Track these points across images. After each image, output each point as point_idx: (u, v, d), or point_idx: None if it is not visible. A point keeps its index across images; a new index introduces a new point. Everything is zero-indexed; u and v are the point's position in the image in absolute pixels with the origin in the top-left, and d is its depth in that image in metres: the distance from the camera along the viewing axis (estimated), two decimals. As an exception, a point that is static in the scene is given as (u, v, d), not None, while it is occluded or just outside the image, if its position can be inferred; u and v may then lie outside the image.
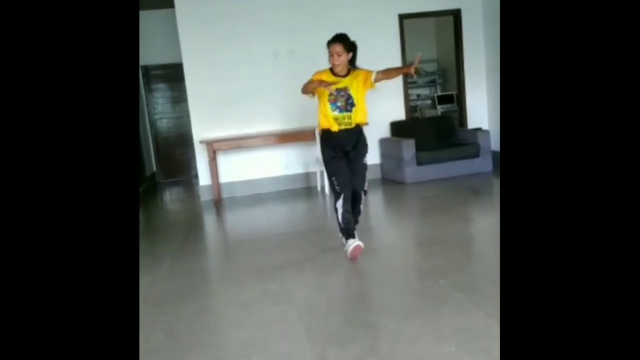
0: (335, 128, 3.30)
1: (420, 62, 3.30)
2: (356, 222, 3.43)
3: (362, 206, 3.45)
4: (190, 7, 5.71)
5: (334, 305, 2.68)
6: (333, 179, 3.34)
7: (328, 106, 3.27)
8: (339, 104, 3.27)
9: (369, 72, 3.33)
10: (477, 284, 2.69)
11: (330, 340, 2.24)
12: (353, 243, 3.25)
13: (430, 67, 8.58)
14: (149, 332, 2.47)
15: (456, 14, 6.43)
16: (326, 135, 3.37)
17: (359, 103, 3.30)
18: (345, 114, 3.29)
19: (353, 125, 3.32)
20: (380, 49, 6.19)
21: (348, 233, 3.31)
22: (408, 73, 3.28)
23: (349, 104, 3.28)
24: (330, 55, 3.24)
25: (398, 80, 6.31)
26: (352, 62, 3.34)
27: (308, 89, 3.29)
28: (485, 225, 4.00)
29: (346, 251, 3.28)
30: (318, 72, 3.34)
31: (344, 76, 3.30)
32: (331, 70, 3.32)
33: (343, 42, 3.24)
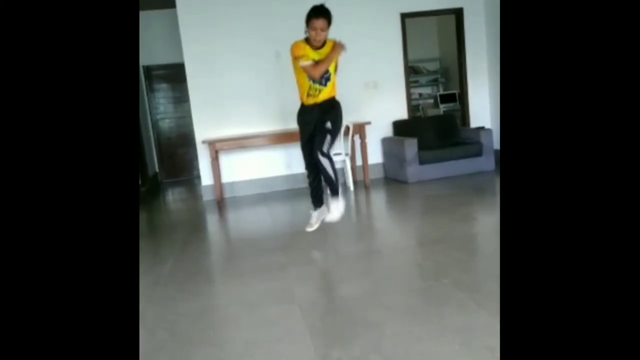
0: (305, 100, 3.47)
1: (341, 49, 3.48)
2: (318, 193, 3.76)
3: (329, 171, 3.47)
4: (191, 8, 5.72)
5: (337, 304, 2.68)
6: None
7: (305, 76, 3.37)
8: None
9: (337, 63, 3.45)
10: (480, 283, 2.69)
11: (333, 339, 2.24)
12: (318, 213, 3.72)
13: (433, 66, 8.57)
14: (153, 331, 2.47)
15: (458, 13, 6.43)
16: (300, 109, 3.61)
17: (333, 77, 3.42)
18: (317, 86, 3.38)
19: (319, 100, 3.45)
20: (382, 47, 6.21)
21: (313, 202, 3.79)
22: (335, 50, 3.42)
23: (324, 78, 3.37)
24: (313, 29, 3.23)
25: (400, 79, 6.32)
26: None
27: (319, 71, 3.33)
28: (487, 224, 3.99)
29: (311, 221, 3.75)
30: (297, 47, 3.33)
31: (321, 47, 3.34)
32: (307, 41, 3.34)
33: (327, 17, 3.24)
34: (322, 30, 3.21)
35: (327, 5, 5.95)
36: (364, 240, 3.29)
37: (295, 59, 3.34)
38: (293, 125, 6.14)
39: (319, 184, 3.73)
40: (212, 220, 5.22)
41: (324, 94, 3.46)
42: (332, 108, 3.52)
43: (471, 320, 2.25)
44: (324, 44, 3.36)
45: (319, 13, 3.21)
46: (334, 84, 3.49)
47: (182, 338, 2.40)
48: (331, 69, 3.39)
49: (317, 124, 3.49)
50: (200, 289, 3.07)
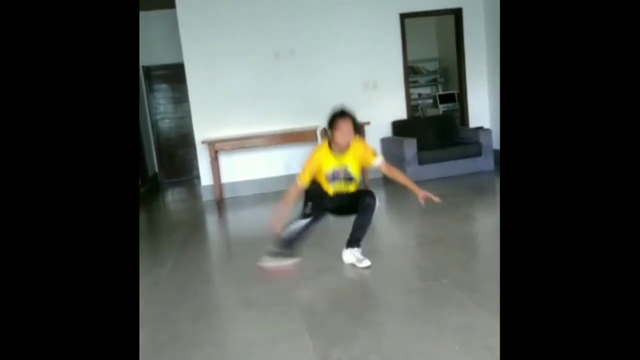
0: (330, 192, 3.15)
1: (435, 202, 3.07)
2: (359, 238, 3.20)
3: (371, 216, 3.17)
4: (191, 8, 5.73)
5: (337, 304, 2.68)
6: (310, 203, 3.11)
7: (323, 178, 3.10)
8: (336, 180, 3.12)
9: (371, 152, 3.14)
10: (479, 283, 2.69)
11: (333, 339, 2.24)
12: (283, 262, 3.10)
13: (432, 66, 8.57)
14: (153, 332, 2.47)
15: (457, 13, 6.44)
16: (321, 191, 3.15)
17: (357, 177, 3.15)
18: (342, 184, 3.12)
19: (351, 191, 3.17)
20: (381, 48, 6.21)
21: (290, 248, 3.13)
22: (416, 195, 3.08)
23: (347, 179, 3.11)
24: (339, 130, 2.97)
25: (399, 80, 6.32)
26: None
27: (287, 197, 3.09)
28: (487, 224, 4.00)
29: (265, 265, 3.11)
30: (316, 151, 3.10)
31: (344, 153, 3.07)
32: (329, 145, 3.06)
33: (353, 118, 3.01)
34: (348, 130, 2.97)
35: (327, 5, 6.01)
36: (364, 240, 3.29)
37: (310, 158, 3.10)
38: (293, 125, 6.19)
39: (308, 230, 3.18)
40: (211, 221, 5.22)
41: (351, 189, 3.17)
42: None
43: (471, 320, 2.26)
44: (347, 147, 3.06)
45: (345, 113, 3.00)
46: (358, 179, 3.19)
47: (183, 338, 2.40)
48: (355, 171, 3.11)
49: (352, 200, 3.14)
50: (200, 290, 3.07)
